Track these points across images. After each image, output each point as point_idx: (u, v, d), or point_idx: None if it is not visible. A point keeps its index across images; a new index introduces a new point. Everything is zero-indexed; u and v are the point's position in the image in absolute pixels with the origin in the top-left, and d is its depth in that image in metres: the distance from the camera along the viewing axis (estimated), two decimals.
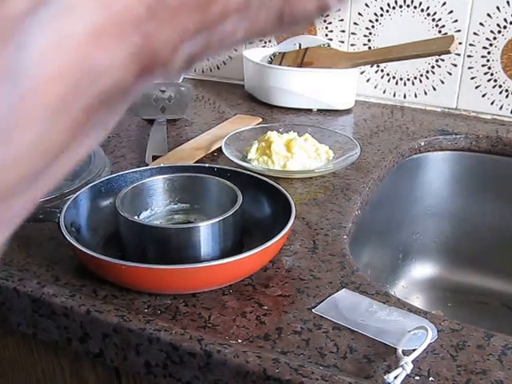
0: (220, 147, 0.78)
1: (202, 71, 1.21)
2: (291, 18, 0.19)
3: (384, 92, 1.06)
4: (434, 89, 1.02)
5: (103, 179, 0.61)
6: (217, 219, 0.52)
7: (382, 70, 1.05)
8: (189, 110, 0.99)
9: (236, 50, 1.15)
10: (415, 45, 0.93)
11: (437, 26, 0.98)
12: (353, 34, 1.05)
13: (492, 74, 0.97)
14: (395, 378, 0.40)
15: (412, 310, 0.49)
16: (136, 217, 0.58)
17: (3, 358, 0.61)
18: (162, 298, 0.49)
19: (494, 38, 0.95)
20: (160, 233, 0.52)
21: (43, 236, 0.59)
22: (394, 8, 1.00)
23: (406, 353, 0.42)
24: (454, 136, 0.91)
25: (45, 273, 0.53)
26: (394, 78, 1.05)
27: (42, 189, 0.18)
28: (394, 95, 1.06)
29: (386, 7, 1.01)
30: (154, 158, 0.77)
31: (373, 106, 1.05)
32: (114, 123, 0.19)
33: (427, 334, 0.44)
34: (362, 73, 1.06)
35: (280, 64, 1.06)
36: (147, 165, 0.74)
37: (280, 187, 0.60)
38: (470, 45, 0.97)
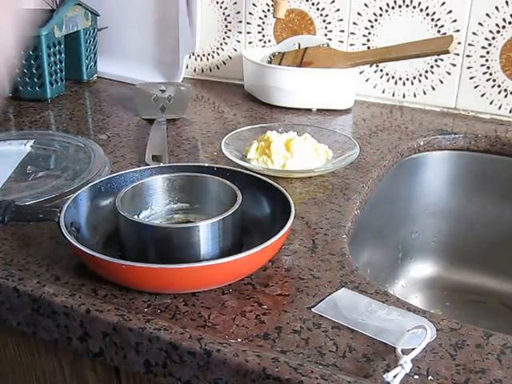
0: (220, 147, 0.78)
1: (202, 71, 1.22)
2: None
3: (383, 92, 1.06)
4: (433, 88, 1.02)
5: (103, 179, 0.61)
6: (216, 219, 0.52)
7: (381, 70, 1.05)
8: (188, 110, 0.99)
9: (235, 50, 1.16)
10: (414, 45, 0.93)
11: (436, 25, 0.98)
12: (352, 33, 1.05)
13: (491, 74, 0.97)
14: (394, 376, 0.40)
15: (411, 309, 0.49)
16: (136, 216, 0.58)
17: (3, 358, 0.61)
18: (161, 298, 0.50)
19: (493, 38, 0.95)
20: (160, 232, 0.52)
21: (43, 235, 0.60)
22: (393, 8, 1.00)
23: (405, 352, 0.43)
24: (452, 135, 0.91)
25: (45, 272, 0.53)
26: (393, 77, 1.05)
27: None
28: (393, 95, 1.06)
29: (385, 7, 1.01)
30: (154, 157, 0.77)
31: (372, 106, 1.05)
32: None
33: (426, 333, 0.44)
34: (361, 72, 1.07)
35: (279, 64, 1.06)
36: (147, 164, 0.74)
37: (279, 187, 0.60)
38: (469, 45, 0.97)
